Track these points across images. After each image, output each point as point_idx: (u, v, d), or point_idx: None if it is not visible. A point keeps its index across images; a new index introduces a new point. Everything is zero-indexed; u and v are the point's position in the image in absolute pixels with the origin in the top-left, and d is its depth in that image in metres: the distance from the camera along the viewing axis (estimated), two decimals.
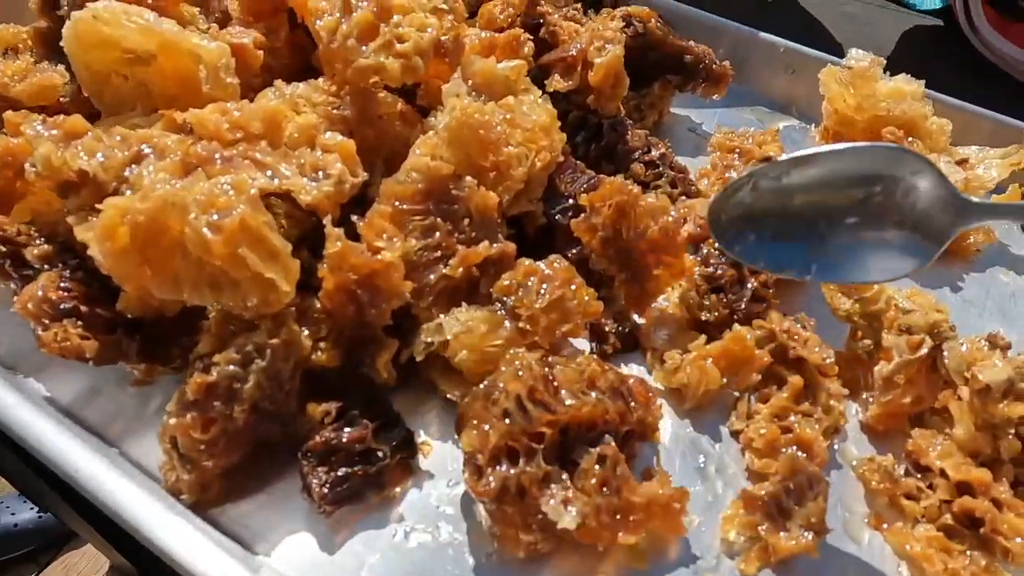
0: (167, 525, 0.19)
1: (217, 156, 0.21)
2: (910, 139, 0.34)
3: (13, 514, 1.22)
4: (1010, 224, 0.35)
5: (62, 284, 0.22)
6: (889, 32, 0.51)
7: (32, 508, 1.20)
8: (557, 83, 0.32)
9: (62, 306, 0.21)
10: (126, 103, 0.28)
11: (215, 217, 0.19)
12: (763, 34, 0.41)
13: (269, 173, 0.22)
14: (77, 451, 0.20)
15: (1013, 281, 0.32)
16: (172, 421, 0.20)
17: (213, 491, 0.21)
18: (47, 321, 0.21)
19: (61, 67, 0.30)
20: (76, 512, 0.24)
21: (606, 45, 0.32)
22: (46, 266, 0.22)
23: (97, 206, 0.22)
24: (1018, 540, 0.21)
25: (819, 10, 0.52)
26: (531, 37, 0.31)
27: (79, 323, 0.21)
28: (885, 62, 0.35)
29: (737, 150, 0.34)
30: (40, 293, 0.21)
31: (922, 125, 0.35)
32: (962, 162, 0.33)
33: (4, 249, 0.23)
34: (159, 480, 0.21)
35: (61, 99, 0.30)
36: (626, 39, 0.36)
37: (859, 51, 0.36)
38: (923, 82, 0.36)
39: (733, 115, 0.40)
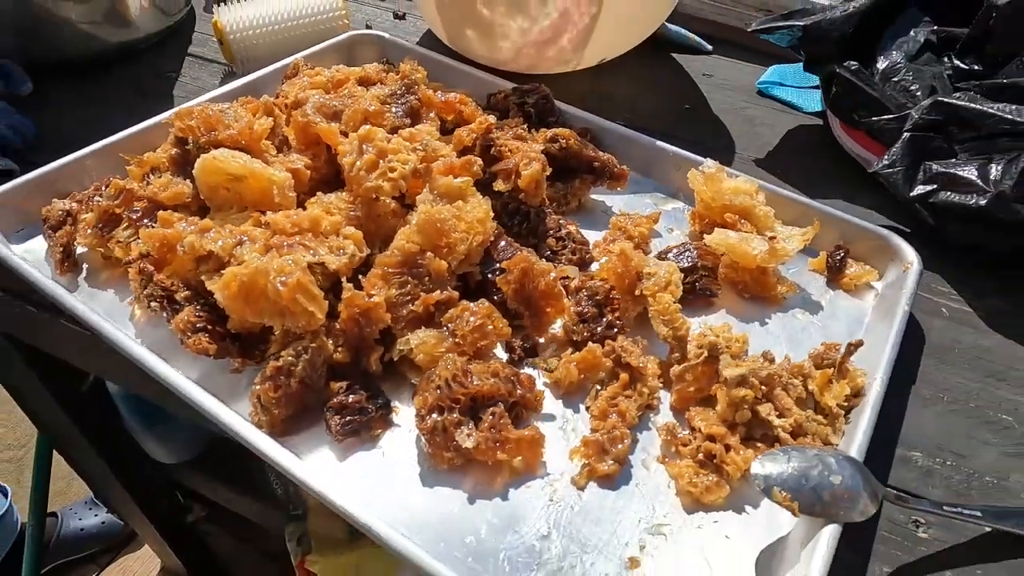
0: (261, 440, 0.35)
1: (285, 243, 0.39)
2: (743, 221, 0.50)
3: (80, 519, 1.41)
4: (813, 276, 0.50)
5: (197, 313, 0.39)
6: (777, 129, 0.67)
7: (96, 515, 1.40)
8: (499, 185, 0.49)
9: (197, 325, 0.38)
10: (226, 205, 0.46)
11: (283, 278, 0.36)
12: (660, 142, 0.57)
13: (312, 252, 0.39)
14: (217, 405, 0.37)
15: (805, 318, 0.48)
16: (257, 387, 0.37)
17: (279, 429, 0.37)
18: (190, 334, 0.38)
19: (187, 181, 0.48)
20: (141, 511, 0.41)
21: (531, 162, 0.49)
22: (187, 303, 0.40)
23: (221, 272, 0.39)
24: (735, 467, 0.36)
25: (726, 115, 0.68)
26: (480, 161, 0.47)
27: (206, 335, 0.38)
28: (729, 172, 0.51)
29: (622, 229, 0.50)
30: (185, 318, 0.39)
31: (753, 211, 0.50)
32: (772, 238, 0.48)
33: (163, 294, 0.40)
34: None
35: (187, 200, 0.48)
36: (556, 149, 0.53)
37: (710, 160, 0.52)
38: (758, 182, 0.52)
39: (636, 200, 0.56)
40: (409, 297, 0.40)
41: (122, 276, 0.45)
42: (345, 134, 0.46)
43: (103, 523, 1.32)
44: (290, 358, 0.36)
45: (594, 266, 0.48)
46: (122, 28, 0.66)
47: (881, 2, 0.61)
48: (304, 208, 0.44)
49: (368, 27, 0.75)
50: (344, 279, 0.39)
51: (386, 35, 0.66)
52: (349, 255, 0.40)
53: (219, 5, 0.65)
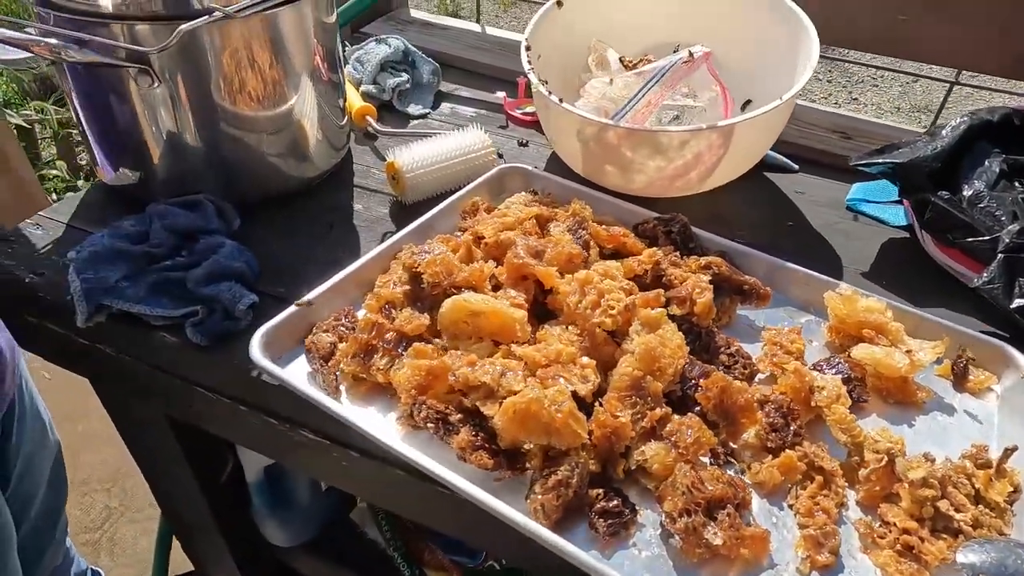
0: (552, 537, 0.43)
1: (546, 375, 0.48)
2: (879, 336, 0.59)
3: None
4: (939, 381, 0.59)
5: (473, 433, 0.48)
6: (873, 243, 0.77)
7: None
8: (674, 310, 0.59)
9: (475, 444, 0.47)
10: (463, 336, 0.55)
11: (558, 406, 0.45)
12: (788, 263, 0.67)
13: (562, 380, 0.49)
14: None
15: (944, 420, 0.56)
16: (539, 496, 0.45)
17: (553, 519, 0.45)
18: (470, 451, 0.47)
19: (424, 314, 0.57)
20: None
21: (704, 292, 0.58)
22: (461, 424, 0.48)
23: (491, 398, 0.48)
24: (932, 556, 0.44)
25: (825, 230, 0.79)
26: (663, 293, 0.57)
27: (485, 452, 0.47)
28: (860, 292, 0.61)
29: (778, 344, 0.60)
30: (465, 438, 0.47)
31: (886, 327, 0.60)
32: (908, 351, 0.58)
33: (437, 415, 0.49)
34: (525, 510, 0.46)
35: (424, 331, 0.57)
36: (711, 275, 0.63)
37: (846, 284, 0.62)
38: (887, 300, 0.62)
39: (772, 313, 0.66)
40: (639, 415, 0.49)
41: (366, 393, 0.55)
42: (559, 275, 0.56)
43: None
44: (567, 472, 0.45)
45: (758, 376, 0.57)
46: (303, 164, 0.77)
47: (962, 140, 0.72)
48: (534, 337, 0.53)
49: (501, 156, 0.86)
50: (589, 402, 0.48)
51: (530, 167, 0.77)
52: (592, 382, 0.49)
53: (375, 139, 0.76)
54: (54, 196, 2.18)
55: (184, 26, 0.56)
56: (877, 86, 3.40)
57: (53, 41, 0.57)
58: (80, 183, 2.25)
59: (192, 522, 1.02)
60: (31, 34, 0.58)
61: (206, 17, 0.57)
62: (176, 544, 1.16)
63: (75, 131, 2.39)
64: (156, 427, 0.81)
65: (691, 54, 0.70)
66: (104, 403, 0.84)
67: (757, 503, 0.49)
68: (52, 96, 2.47)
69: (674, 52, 0.72)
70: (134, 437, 0.88)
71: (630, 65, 0.76)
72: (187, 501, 0.96)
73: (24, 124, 2.13)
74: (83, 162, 2.37)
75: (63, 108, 2.45)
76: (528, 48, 0.79)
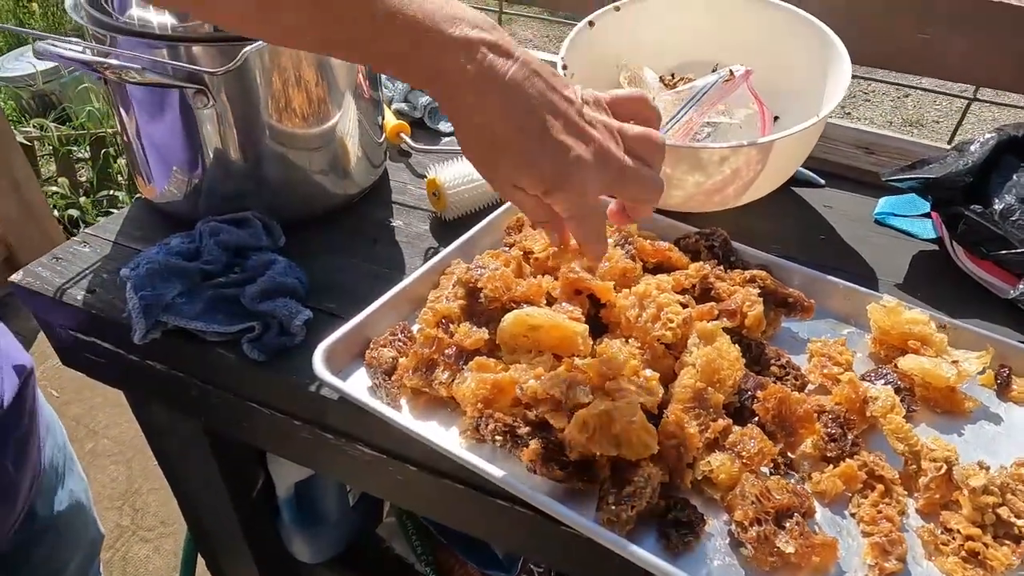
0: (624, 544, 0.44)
1: (614, 388, 0.49)
2: (924, 346, 0.61)
3: None
4: (983, 390, 0.60)
5: (544, 447, 0.48)
6: (903, 256, 0.79)
7: None
8: (725, 323, 0.60)
9: (546, 456, 0.48)
10: (522, 349, 0.56)
11: (630, 419, 0.46)
12: (829, 276, 0.68)
13: (634, 396, 0.49)
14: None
15: (992, 429, 0.57)
16: (613, 507, 0.46)
17: (627, 529, 0.46)
18: (540, 463, 0.48)
19: (483, 328, 0.58)
20: None
21: (754, 305, 0.60)
22: (529, 437, 0.49)
23: (560, 410, 0.49)
24: (998, 562, 0.45)
25: (856, 243, 0.80)
26: (716, 306, 0.58)
27: (556, 465, 0.48)
28: (904, 304, 0.63)
29: (826, 355, 0.61)
30: (536, 449, 0.48)
31: (931, 338, 0.61)
32: (954, 362, 0.59)
33: (505, 429, 0.50)
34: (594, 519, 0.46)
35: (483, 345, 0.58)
36: (757, 288, 0.64)
37: (889, 296, 0.63)
38: (928, 312, 0.63)
39: (815, 325, 0.67)
40: (703, 426, 0.50)
41: (425, 407, 0.55)
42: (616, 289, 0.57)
43: None
44: (640, 483, 0.46)
45: (807, 387, 0.59)
46: (344, 181, 0.78)
47: (991, 155, 0.74)
48: (594, 351, 0.54)
49: None
50: (655, 414, 0.49)
51: None
52: (657, 394, 0.50)
53: (408, 156, 0.77)
54: (55, 213, 2.18)
55: (248, 47, 0.57)
56: (869, 100, 3.48)
57: (115, 62, 0.57)
58: (82, 199, 2.25)
59: (220, 538, 1.01)
60: (89, 54, 0.59)
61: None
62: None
63: (75, 148, 2.39)
64: (194, 443, 0.81)
65: (732, 73, 0.71)
66: (140, 420, 0.84)
67: (820, 512, 0.50)
68: (52, 113, 2.48)
69: (713, 71, 0.74)
70: (168, 453, 0.88)
71: (670, 84, 0.78)
72: (217, 516, 0.96)
73: (25, 142, 2.13)
74: (82, 179, 2.37)
75: (63, 125, 2.46)
76: (564, 67, 0.80)
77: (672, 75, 0.82)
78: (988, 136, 0.76)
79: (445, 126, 0.95)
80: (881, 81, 3.48)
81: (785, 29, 0.82)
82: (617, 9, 0.87)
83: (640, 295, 0.55)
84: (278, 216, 0.73)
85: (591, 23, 0.86)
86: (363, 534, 1.11)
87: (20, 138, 2.08)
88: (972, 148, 0.75)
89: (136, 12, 0.61)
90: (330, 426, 0.60)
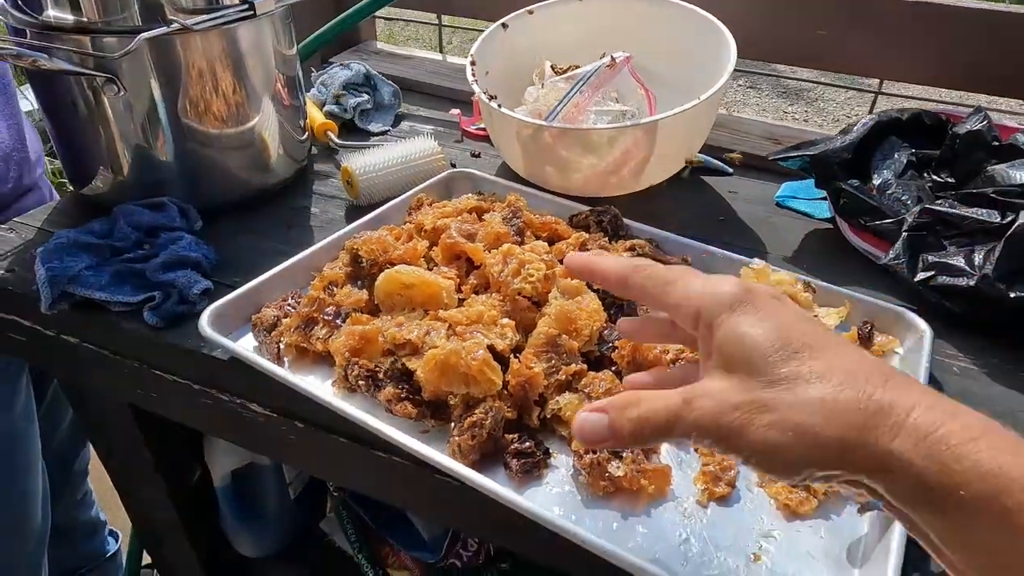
0: (466, 471, 0.47)
1: (467, 331, 0.52)
2: None
3: None
4: None
5: (400, 387, 0.51)
6: (798, 233, 0.83)
7: None
8: (597, 284, 0.63)
9: (401, 396, 0.51)
10: (397, 307, 0.59)
11: (474, 356, 0.50)
12: (710, 247, 0.72)
13: (480, 335, 0.53)
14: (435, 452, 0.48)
15: None
16: (456, 438, 0.49)
17: (470, 459, 0.49)
18: (395, 403, 0.51)
19: (363, 290, 0.62)
20: None
21: None
22: (388, 381, 0.52)
23: (418, 354, 0.52)
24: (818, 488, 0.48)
25: (754, 224, 0.84)
26: None
27: (409, 403, 0.51)
28: (772, 267, 0.66)
29: None
30: (391, 391, 0.51)
31: (798, 297, 0.64)
32: (815, 316, 0.62)
33: (367, 374, 0.53)
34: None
35: (363, 304, 0.61)
36: (634, 255, 0.68)
37: (759, 260, 0.67)
38: (796, 273, 0.66)
39: None
40: (554, 369, 0.53)
41: (309, 366, 0.59)
42: (487, 251, 0.61)
43: None
44: (481, 415, 0.49)
45: None
46: (264, 173, 0.83)
47: (869, 134, 0.78)
48: (461, 307, 0.57)
49: (453, 165, 0.92)
50: (509, 356, 0.52)
51: (476, 172, 0.83)
52: (510, 339, 0.53)
53: (336, 152, 0.82)
54: None
55: (144, 34, 0.62)
56: (804, 99, 3.76)
57: (28, 52, 0.62)
58: None
59: (161, 531, 1.03)
60: (8, 48, 0.64)
61: (164, 28, 0.63)
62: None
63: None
64: (124, 426, 0.84)
65: (613, 59, 0.76)
66: (72, 402, 0.87)
67: (665, 448, 0.53)
68: None
69: (600, 58, 0.79)
70: (103, 439, 0.91)
71: (560, 72, 0.82)
72: (155, 508, 0.98)
73: None
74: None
75: None
76: (473, 63, 0.85)
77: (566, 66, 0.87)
78: (869, 118, 0.80)
79: (375, 126, 1.00)
80: (813, 82, 3.76)
81: (684, 25, 0.87)
82: (530, 12, 0.92)
83: (504, 253, 0.58)
84: (198, 203, 0.77)
85: (504, 25, 0.91)
86: (307, 529, 1.13)
87: None
88: (854, 129, 0.80)
89: (52, 12, 0.66)
90: (225, 388, 0.63)
